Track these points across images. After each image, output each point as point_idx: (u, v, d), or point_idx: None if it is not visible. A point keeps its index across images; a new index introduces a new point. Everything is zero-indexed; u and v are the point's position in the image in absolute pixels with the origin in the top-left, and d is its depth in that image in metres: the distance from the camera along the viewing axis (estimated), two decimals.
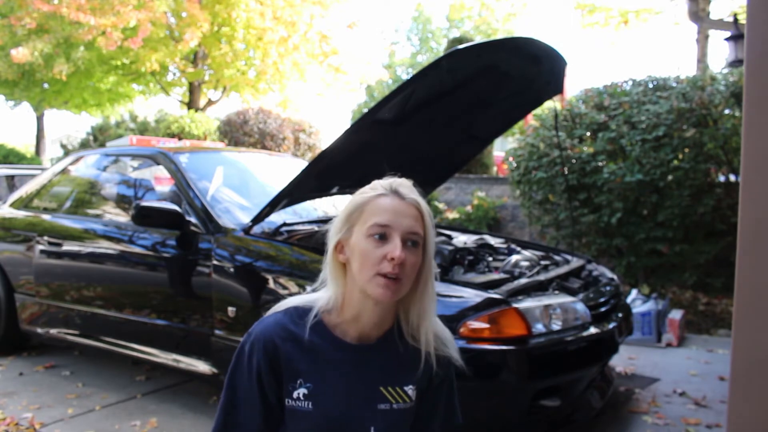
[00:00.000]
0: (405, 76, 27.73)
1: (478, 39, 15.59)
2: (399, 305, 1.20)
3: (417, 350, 1.20)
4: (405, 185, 1.19)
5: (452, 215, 7.65)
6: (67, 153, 12.13)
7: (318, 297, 1.22)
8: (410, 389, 1.21)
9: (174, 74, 14.82)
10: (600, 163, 4.84)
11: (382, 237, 1.12)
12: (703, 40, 10.67)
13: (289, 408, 1.17)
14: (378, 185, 1.18)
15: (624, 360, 3.82)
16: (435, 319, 1.23)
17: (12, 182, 7.44)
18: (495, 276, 2.69)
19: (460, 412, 1.32)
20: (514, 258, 3.01)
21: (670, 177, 4.52)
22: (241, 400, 1.17)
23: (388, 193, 1.16)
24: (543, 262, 3.14)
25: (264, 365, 1.16)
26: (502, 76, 2.95)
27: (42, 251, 3.63)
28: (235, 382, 1.19)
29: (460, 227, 4.72)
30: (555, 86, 3.22)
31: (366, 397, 1.18)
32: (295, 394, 1.16)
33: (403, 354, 1.20)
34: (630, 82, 5.24)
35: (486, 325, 2.24)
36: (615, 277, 3.29)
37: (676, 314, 4.42)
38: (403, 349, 1.20)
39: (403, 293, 1.14)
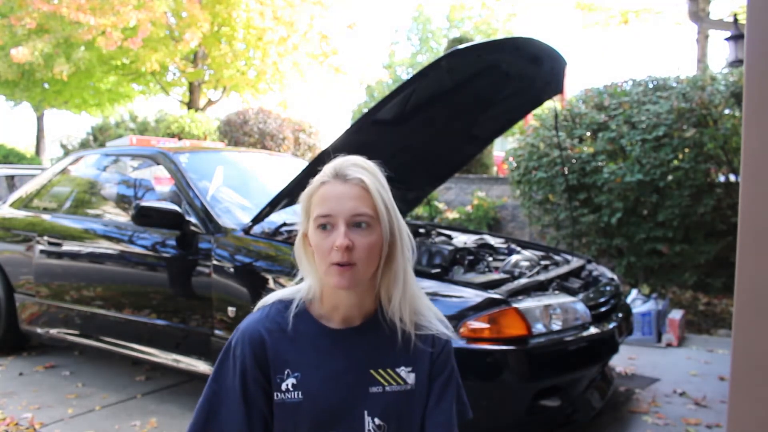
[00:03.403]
0: (405, 76, 27.72)
1: (478, 39, 15.58)
2: (377, 285, 1.18)
3: (403, 331, 1.18)
4: (350, 164, 1.14)
5: (452, 215, 7.65)
6: (67, 153, 12.12)
7: (300, 288, 1.22)
8: (404, 371, 1.18)
9: (174, 74, 14.81)
10: (600, 163, 4.83)
11: (327, 226, 1.10)
12: (703, 40, 10.67)
13: (279, 402, 1.15)
14: (324, 171, 1.15)
15: (624, 360, 3.82)
16: (414, 295, 1.19)
17: (12, 182, 7.44)
18: (495, 276, 2.69)
19: (467, 406, 1.26)
20: (514, 258, 3.01)
21: (670, 177, 4.52)
22: (225, 394, 1.17)
23: (331, 179, 1.13)
24: (543, 262, 3.14)
25: (249, 359, 1.15)
26: (502, 76, 2.95)
27: (42, 251, 3.63)
28: (220, 376, 1.18)
29: (460, 227, 4.72)
30: (555, 86, 3.22)
31: (356, 381, 1.16)
32: (283, 386, 1.15)
33: (391, 335, 1.18)
34: (630, 82, 5.23)
35: (486, 325, 2.24)
36: (615, 277, 3.29)
37: (676, 314, 4.42)
38: (389, 330, 1.18)
39: (363, 277, 1.12)
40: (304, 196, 1.17)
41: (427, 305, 1.23)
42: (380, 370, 1.17)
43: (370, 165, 1.16)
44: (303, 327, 1.18)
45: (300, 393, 1.14)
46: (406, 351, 1.18)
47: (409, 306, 1.18)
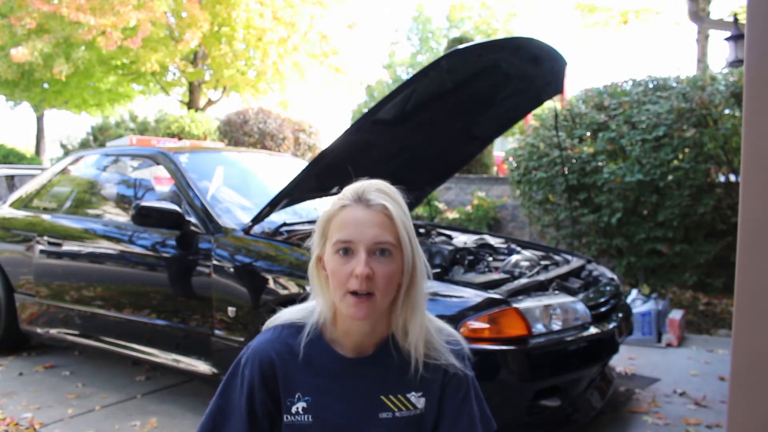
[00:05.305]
0: (405, 76, 27.71)
1: (478, 39, 15.58)
2: (390, 312, 1.17)
3: (416, 360, 1.17)
4: (373, 189, 1.11)
5: (452, 215, 7.65)
6: (67, 153, 12.12)
7: (312, 309, 1.20)
8: (414, 396, 1.17)
9: (174, 74, 14.82)
10: (600, 163, 4.83)
11: (348, 252, 1.07)
12: (703, 40, 10.69)
13: (288, 423, 1.15)
14: (346, 193, 1.12)
15: (624, 360, 3.82)
16: (428, 325, 1.18)
17: (12, 182, 7.44)
18: (495, 276, 2.69)
19: (490, 419, 1.25)
20: (514, 258, 3.01)
21: (670, 177, 4.52)
22: (231, 411, 1.17)
23: (352, 203, 1.10)
24: (543, 262, 3.14)
25: (257, 380, 1.14)
26: (502, 76, 2.95)
27: (42, 251, 3.63)
28: (227, 392, 1.18)
29: (460, 227, 4.72)
30: (555, 86, 3.22)
31: (366, 407, 1.15)
32: (293, 409, 1.15)
33: (401, 361, 1.17)
34: (630, 82, 5.23)
35: (486, 325, 2.24)
36: (615, 277, 3.29)
37: (676, 314, 4.42)
38: (400, 356, 1.17)
39: (380, 307, 1.10)
40: (321, 217, 1.14)
41: (436, 328, 1.21)
42: (391, 396, 1.17)
43: (393, 191, 1.13)
44: (315, 353, 1.17)
45: (310, 416, 1.15)
46: (416, 377, 1.18)
47: (423, 338, 1.16)
